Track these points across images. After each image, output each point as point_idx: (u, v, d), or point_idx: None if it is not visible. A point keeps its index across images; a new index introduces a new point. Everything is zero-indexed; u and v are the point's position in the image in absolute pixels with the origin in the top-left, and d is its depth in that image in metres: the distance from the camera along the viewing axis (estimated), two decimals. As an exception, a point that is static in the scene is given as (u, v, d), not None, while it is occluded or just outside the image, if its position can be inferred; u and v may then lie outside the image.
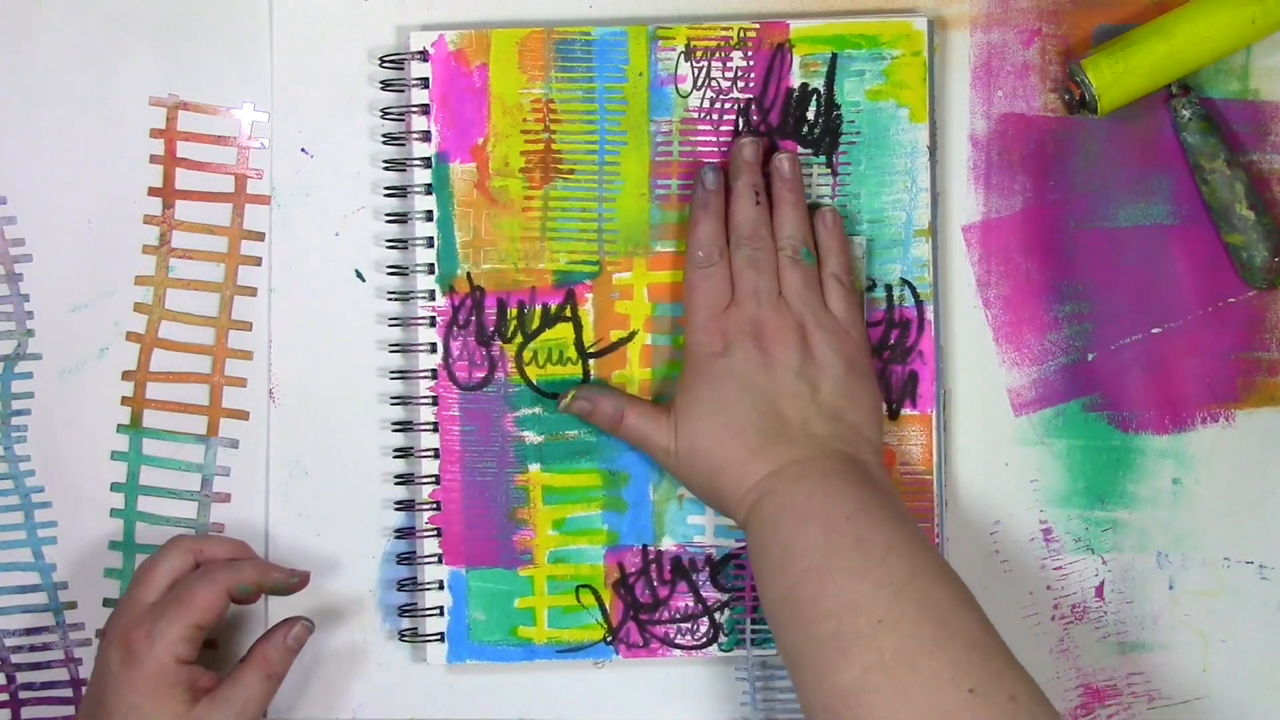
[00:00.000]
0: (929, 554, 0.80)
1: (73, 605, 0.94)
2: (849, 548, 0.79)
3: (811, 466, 0.84)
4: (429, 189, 0.93)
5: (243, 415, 0.94)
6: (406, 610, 0.93)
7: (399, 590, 0.93)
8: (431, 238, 0.92)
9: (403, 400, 0.93)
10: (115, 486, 0.94)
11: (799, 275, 0.88)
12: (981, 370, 0.94)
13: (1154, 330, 0.94)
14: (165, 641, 0.84)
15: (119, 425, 0.94)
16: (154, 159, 0.94)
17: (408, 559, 0.93)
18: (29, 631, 0.94)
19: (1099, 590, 0.93)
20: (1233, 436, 0.94)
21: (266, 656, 0.88)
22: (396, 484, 0.93)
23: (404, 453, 0.93)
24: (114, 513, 0.94)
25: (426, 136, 0.93)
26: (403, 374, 0.93)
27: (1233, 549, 0.94)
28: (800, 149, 0.92)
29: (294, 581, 0.90)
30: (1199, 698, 0.94)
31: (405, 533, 0.93)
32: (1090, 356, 0.94)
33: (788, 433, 0.85)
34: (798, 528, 0.81)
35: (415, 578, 0.93)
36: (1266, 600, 0.94)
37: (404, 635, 0.93)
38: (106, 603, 0.94)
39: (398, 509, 0.93)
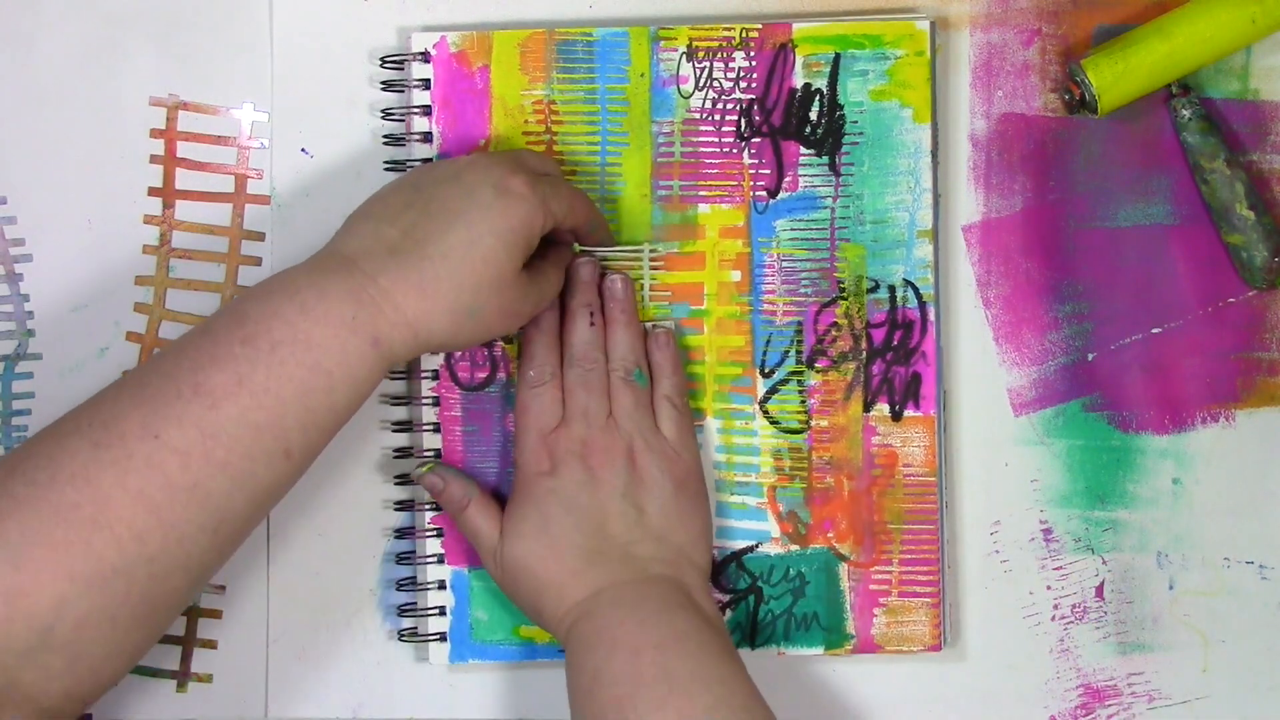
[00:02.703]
0: (736, 687, 0.80)
1: (73, 606, 0.94)
2: (654, 679, 0.79)
3: (628, 591, 0.84)
4: (430, 189, 0.92)
5: (243, 415, 0.94)
6: (406, 610, 0.93)
7: (399, 590, 0.93)
8: (432, 238, 0.92)
9: (403, 400, 0.93)
10: (116, 487, 0.93)
11: (630, 396, 0.88)
12: (982, 370, 0.94)
13: (1154, 330, 0.94)
14: (551, 205, 0.84)
15: (119, 426, 0.93)
16: (154, 159, 0.94)
17: (408, 559, 0.93)
18: (30, 632, 0.94)
19: (1099, 590, 0.93)
20: (1233, 436, 0.94)
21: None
22: (397, 484, 0.93)
23: (404, 453, 0.93)
24: (114, 513, 0.94)
25: (428, 138, 0.92)
26: (403, 374, 0.93)
27: (1233, 549, 0.94)
28: (803, 149, 0.92)
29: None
30: (1199, 698, 0.94)
31: (405, 532, 0.93)
32: (1090, 356, 0.94)
33: (609, 554, 0.85)
34: (608, 654, 0.81)
35: (415, 577, 0.93)
36: (1266, 600, 0.94)
37: (404, 635, 0.93)
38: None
39: (398, 509, 0.93)
